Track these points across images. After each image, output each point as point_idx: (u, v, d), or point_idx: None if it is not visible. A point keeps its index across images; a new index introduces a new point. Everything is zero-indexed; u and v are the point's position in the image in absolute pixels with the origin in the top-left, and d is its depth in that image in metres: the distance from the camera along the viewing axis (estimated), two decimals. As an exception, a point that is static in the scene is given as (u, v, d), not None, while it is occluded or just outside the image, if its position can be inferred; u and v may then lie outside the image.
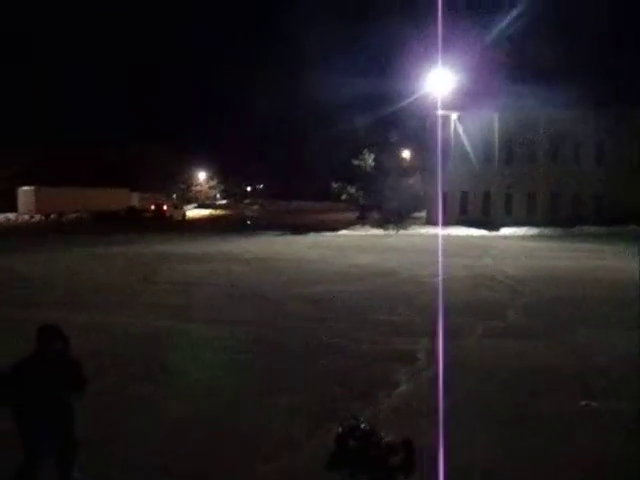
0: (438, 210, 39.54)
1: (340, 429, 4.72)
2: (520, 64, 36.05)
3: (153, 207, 62.99)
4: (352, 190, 45.59)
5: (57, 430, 4.85)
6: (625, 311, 12.34)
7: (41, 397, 4.71)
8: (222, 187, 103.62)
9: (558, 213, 41.74)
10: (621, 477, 5.65)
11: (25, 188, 59.17)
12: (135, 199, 67.44)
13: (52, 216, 58.44)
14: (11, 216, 57.12)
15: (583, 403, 7.31)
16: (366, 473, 5.16)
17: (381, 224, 41.84)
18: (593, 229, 36.93)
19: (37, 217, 57.70)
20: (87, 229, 43.54)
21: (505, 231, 38.74)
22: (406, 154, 53.63)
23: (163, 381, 8.32)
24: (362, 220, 44.98)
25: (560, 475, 5.61)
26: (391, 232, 39.41)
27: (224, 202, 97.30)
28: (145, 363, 9.14)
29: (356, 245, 29.24)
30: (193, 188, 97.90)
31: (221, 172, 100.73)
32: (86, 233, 38.79)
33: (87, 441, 5.29)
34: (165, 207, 63.95)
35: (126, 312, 12.95)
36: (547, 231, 37.83)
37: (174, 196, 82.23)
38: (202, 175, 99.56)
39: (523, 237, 35.36)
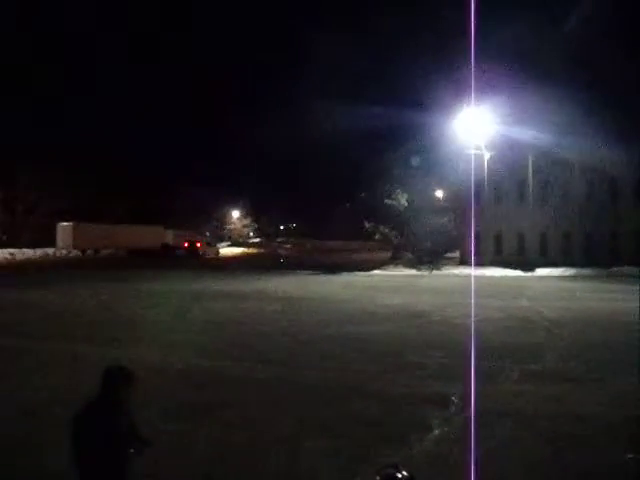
0: (472, 250, 39.22)
1: (378, 478, 4.60)
2: (554, 103, 35.91)
3: (187, 244, 63.69)
4: (385, 230, 45.51)
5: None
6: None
7: (108, 445, 4.37)
8: (255, 226, 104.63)
9: (594, 253, 40.98)
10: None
11: (64, 224, 60.41)
12: (169, 236, 68.26)
13: (88, 252, 59.42)
14: (50, 251, 58.22)
15: (630, 456, 7.01)
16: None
17: (414, 264, 41.59)
18: (631, 269, 36.01)
19: (74, 252, 58.71)
20: (121, 265, 44.08)
21: (540, 272, 38.15)
22: (439, 194, 53.58)
23: (192, 420, 8.25)
24: (395, 260, 44.79)
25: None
26: (424, 272, 39.14)
27: (257, 240, 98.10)
28: (174, 401, 9.10)
29: (389, 285, 29.07)
30: (226, 226, 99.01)
31: (254, 211, 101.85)
32: (120, 269, 39.28)
33: None
34: (199, 245, 64.57)
35: (157, 348, 12.99)
36: (584, 272, 37.17)
37: (208, 234, 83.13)
38: (235, 214, 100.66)
39: (559, 278, 34.78)
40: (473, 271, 34.82)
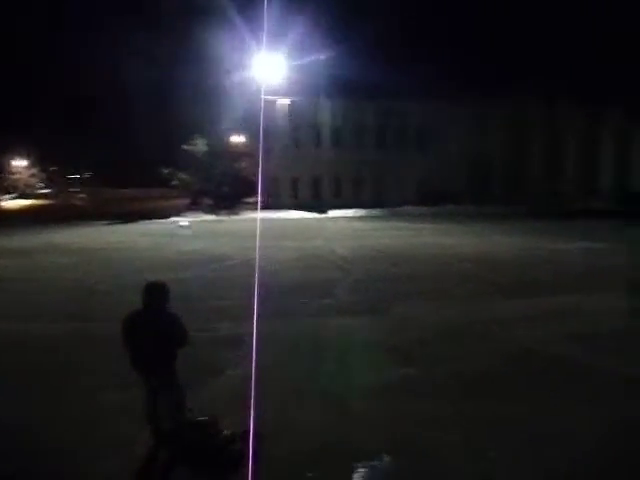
0: (270, 195, 40.21)
1: (173, 423, 4.68)
2: (341, 49, 37.21)
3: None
4: (183, 176, 44.75)
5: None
6: (439, 284, 13.72)
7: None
8: (44, 175, 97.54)
9: (383, 195, 43.96)
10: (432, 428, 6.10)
11: None
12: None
13: None
14: None
15: (402, 371, 7.81)
16: (205, 463, 5.17)
17: (213, 210, 41.59)
18: (415, 209, 39.69)
19: None
20: None
21: (334, 213, 40.17)
22: (238, 139, 53.54)
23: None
24: (194, 206, 44.34)
25: (361, 430, 5.94)
26: (223, 217, 39.30)
27: (47, 191, 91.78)
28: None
29: (187, 232, 28.82)
30: (9, 176, 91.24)
31: (42, 160, 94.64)
32: None
33: None
34: (-23, 198, 59.19)
35: None
36: (374, 212, 39.93)
37: (-14, 185, 76.11)
38: (22, 162, 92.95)
39: (351, 218, 36.84)
40: (272, 214, 35.78)
